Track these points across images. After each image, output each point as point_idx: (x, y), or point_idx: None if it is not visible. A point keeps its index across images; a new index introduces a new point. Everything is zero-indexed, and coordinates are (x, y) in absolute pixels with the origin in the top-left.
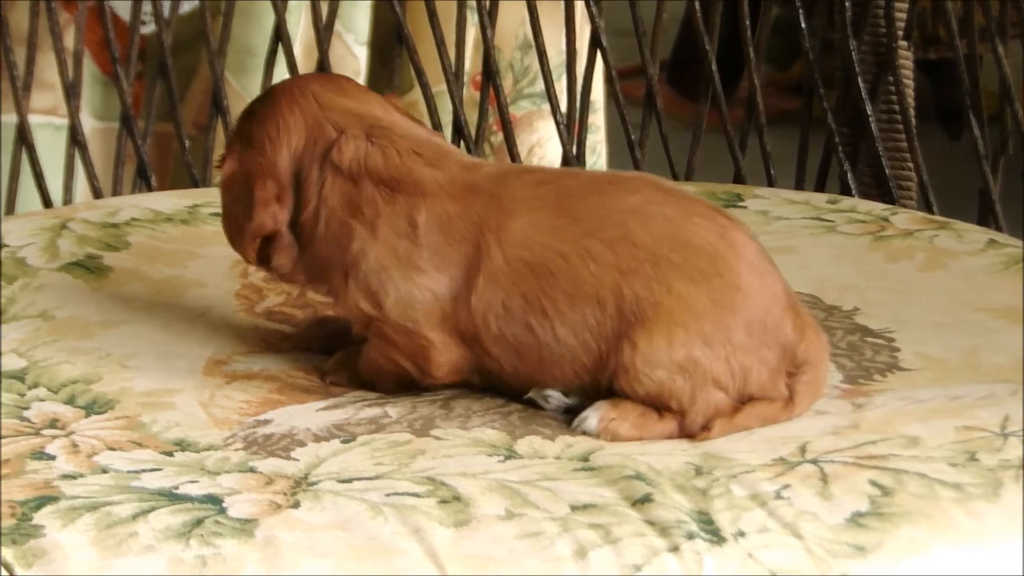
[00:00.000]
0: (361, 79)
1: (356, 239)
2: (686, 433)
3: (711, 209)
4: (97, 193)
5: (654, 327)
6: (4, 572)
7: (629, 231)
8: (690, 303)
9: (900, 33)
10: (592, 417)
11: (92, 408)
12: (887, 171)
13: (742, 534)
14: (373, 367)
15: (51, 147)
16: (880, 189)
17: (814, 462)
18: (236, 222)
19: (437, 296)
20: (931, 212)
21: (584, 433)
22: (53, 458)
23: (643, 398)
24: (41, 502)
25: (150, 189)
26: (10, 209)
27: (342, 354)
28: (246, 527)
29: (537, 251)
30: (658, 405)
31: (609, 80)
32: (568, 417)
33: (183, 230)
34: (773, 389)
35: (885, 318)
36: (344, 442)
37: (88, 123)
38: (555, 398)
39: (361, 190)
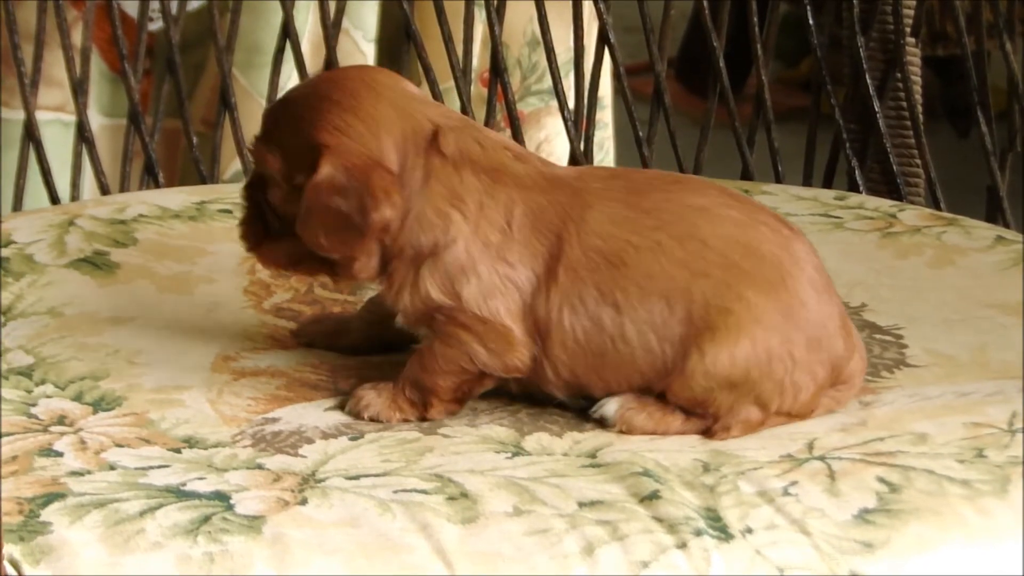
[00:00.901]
0: None
1: (452, 228)
2: (707, 434)
3: (775, 218)
4: (105, 190)
5: (723, 337)
6: (11, 570)
7: (698, 229)
8: (759, 314)
9: (908, 30)
10: (611, 404)
11: (100, 405)
12: (895, 167)
13: (750, 531)
14: (433, 368)
15: (59, 144)
16: (888, 186)
17: (822, 459)
18: (347, 222)
19: (520, 290)
20: (939, 208)
21: (602, 419)
22: (61, 455)
23: (685, 402)
24: (49, 499)
25: (158, 186)
26: (17, 206)
27: (370, 386)
28: (254, 524)
29: (611, 241)
30: (694, 410)
31: (617, 77)
32: (577, 412)
33: (191, 226)
34: (813, 405)
35: (893, 315)
36: (352, 439)
37: (96, 120)
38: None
39: (463, 179)
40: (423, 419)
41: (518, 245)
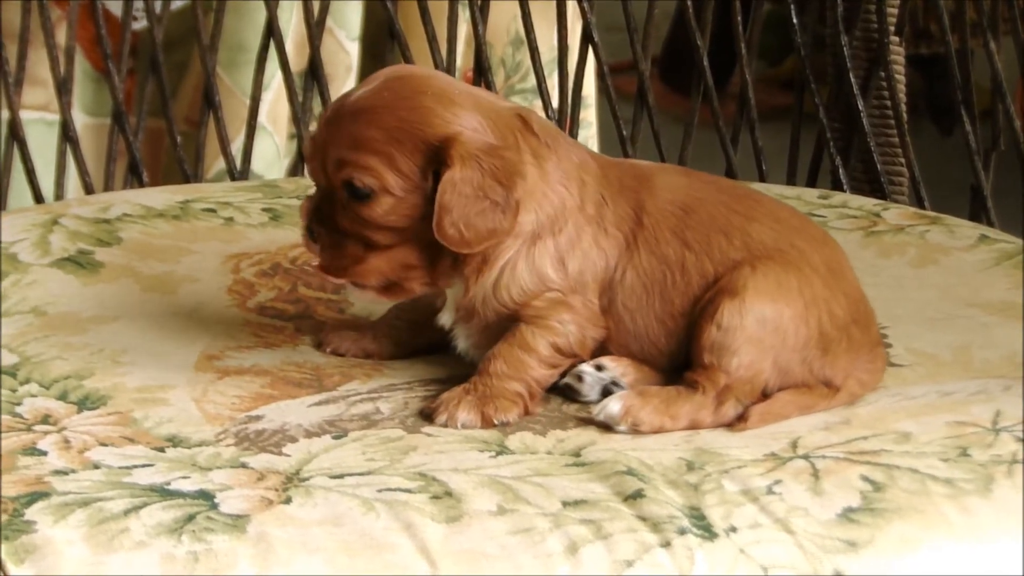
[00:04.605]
0: (352, 75)
1: (566, 205)
2: (718, 414)
3: None
4: (89, 189)
5: (775, 266)
6: None
7: (750, 191)
8: (809, 259)
9: (892, 29)
10: (614, 404)
11: (84, 404)
12: (879, 166)
13: (734, 529)
14: (530, 361)
15: (43, 143)
16: (872, 184)
17: (805, 457)
18: (490, 209)
19: (608, 257)
20: (923, 207)
21: (606, 420)
22: (45, 454)
23: (708, 340)
24: (33, 498)
25: (142, 185)
26: (1, 205)
27: (449, 393)
28: (238, 523)
29: (680, 194)
30: (709, 362)
31: (601, 75)
32: (560, 410)
33: (175, 226)
34: (840, 374)
35: (877, 314)
36: (336, 438)
37: (80, 119)
38: (589, 375)
39: (560, 159)
40: (527, 413)
41: (611, 212)
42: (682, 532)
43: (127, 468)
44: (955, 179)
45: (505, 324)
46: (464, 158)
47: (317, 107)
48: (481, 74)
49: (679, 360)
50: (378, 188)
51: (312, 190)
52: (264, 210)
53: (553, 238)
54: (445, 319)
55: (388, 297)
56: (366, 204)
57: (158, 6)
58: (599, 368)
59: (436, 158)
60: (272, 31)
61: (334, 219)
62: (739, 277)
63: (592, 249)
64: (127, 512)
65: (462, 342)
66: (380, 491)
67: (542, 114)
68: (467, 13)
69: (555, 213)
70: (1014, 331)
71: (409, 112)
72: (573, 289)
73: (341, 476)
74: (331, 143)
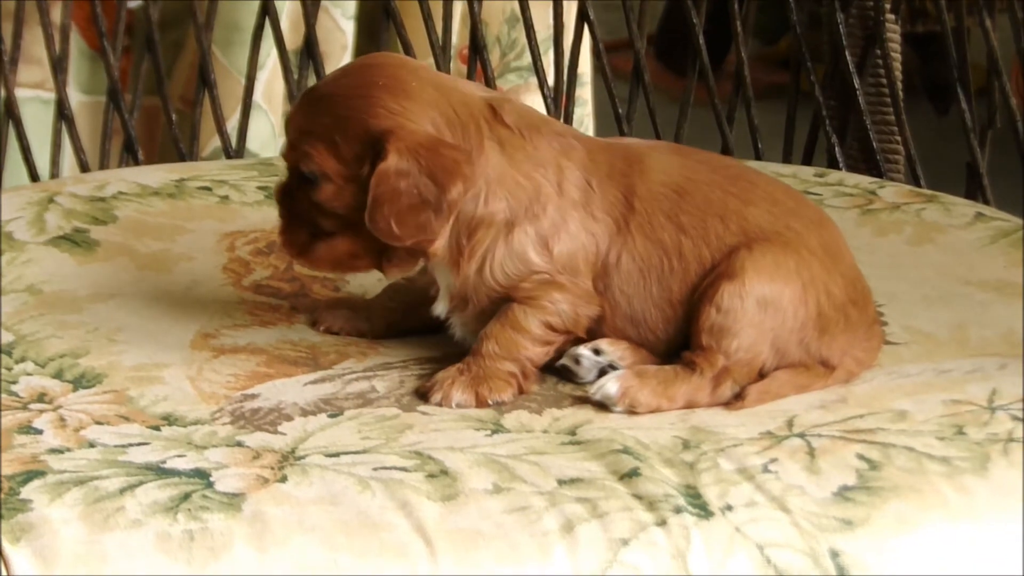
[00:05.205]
0: (348, 54)
1: (542, 191)
2: (715, 395)
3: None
4: (84, 167)
5: (772, 247)
6: None
7: (745, 172)
8: (806, 241)
9: (888, 7)
10: (612, 384)
11: (80, 382)
12: (875, 144)
13: (730, 508)
14: (523, 340)
15: (38, 121)
16: (868, 162)
17: (802, 436)
18: (422, 205)
19: (599, 241)
20: (919, 185)
21: (603, 400)
22: (40, 432)
23: (707, 322)
24: (29, 476)
25: (137, 163)
26: None
27: (443, 373)
28: (234, 501)
29: (673, 176)
30: (707, 344)
31: (596, 54)
32: (555, 389)
33: (171, 204)
34: (837, 354)
35: (873, 292)
36: (331, 416)
37: (75, 97)
38: (586, 358)
39: (537, 146)
40: (521, 392)
41: (598, 197)
42: (678, 511)
43: (122, 447)
44: (951, 157)
45: (499, 307)
46: (400, 152)
47: None
48: (476, 52)
49: (677, 346)
50: (320, 174)
51: None
52: (259, 188)
53: (532, 224)
54: (439, 309)
55: (341, 272)
56: (313, 189)
57: None
58: (597, 351)
59: (375, 149)
60: (267, 10)
61: (292, 200)
62: (737, 259)
63: (580, 233)
64: (123, 491)
65: (459, 330)
66: (376, 469)
67: (537, 93)
68: None
69: (529, 200)
70: (1010, 309)
71: (359, 101)
72: (561, 272)
73: (337, 455)
74: (291, 126)
